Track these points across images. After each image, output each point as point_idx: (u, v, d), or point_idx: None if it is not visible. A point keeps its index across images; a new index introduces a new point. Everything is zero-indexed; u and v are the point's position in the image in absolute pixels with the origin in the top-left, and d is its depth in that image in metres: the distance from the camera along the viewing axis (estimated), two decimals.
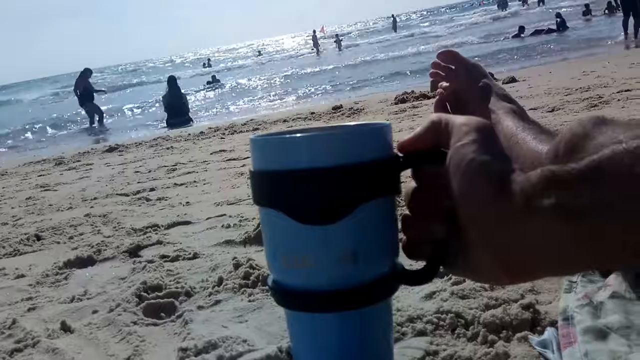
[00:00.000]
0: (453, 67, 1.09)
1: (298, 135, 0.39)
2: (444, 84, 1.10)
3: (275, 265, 0.42)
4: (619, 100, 3.49)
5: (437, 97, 1.11)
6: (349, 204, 0.38)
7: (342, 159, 0.37)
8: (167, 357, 1.08)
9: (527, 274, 0.36)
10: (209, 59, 43.21)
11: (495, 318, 0.95)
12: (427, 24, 41.88)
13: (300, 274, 0.40)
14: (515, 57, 12.35)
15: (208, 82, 20.39)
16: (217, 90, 18.57)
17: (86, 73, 12.43)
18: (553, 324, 0.93)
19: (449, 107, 1.10)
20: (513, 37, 16.96)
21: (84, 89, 12.18)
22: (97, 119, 12.54)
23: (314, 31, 35.42)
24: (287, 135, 0.40)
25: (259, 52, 46.85)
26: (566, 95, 4.17)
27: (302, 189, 0.38)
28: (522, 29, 17.03)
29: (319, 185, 0.37)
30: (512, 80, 6.02)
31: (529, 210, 0.33)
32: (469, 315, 1.00)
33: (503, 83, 5.82)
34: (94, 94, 12.52)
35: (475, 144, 0.36)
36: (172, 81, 10.28)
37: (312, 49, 35.08)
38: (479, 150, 0.36)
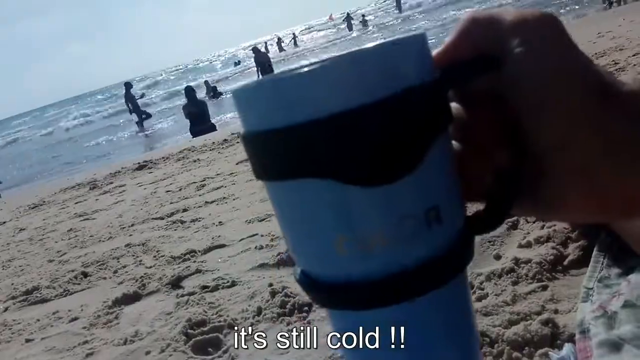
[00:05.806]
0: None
1: (329, 63, 0.26)
2: None
3: (322, 256, 0.28)
4: (634, 65, 3.47)
5: None
6: (421, 144, 0.27)
7: (395, 85, 0.26)
8: None
9: (632, 210, 0.28)
10: (239, 61, 40.02)
11: (517, 336, 1.02)
12: None
13: (369, 257, 0.27)
14: None
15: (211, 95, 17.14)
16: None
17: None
18: (572, 337, 0.98)
19: None
20: None
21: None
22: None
23: (348, 13, 34.47)
24: (314, 67, 0.25)
25: (294, 40, 40.16)
26: None
27: (358, 137, 0.25)
28: None
29: (381, 125, 0.25)
30: None
31: None
32: (493, 333, 1.06)
33: None
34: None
35: (556, 43, 0.27)
36: (190, 91, 10.45)
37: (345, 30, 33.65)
38: (561, 50, 0.27)
